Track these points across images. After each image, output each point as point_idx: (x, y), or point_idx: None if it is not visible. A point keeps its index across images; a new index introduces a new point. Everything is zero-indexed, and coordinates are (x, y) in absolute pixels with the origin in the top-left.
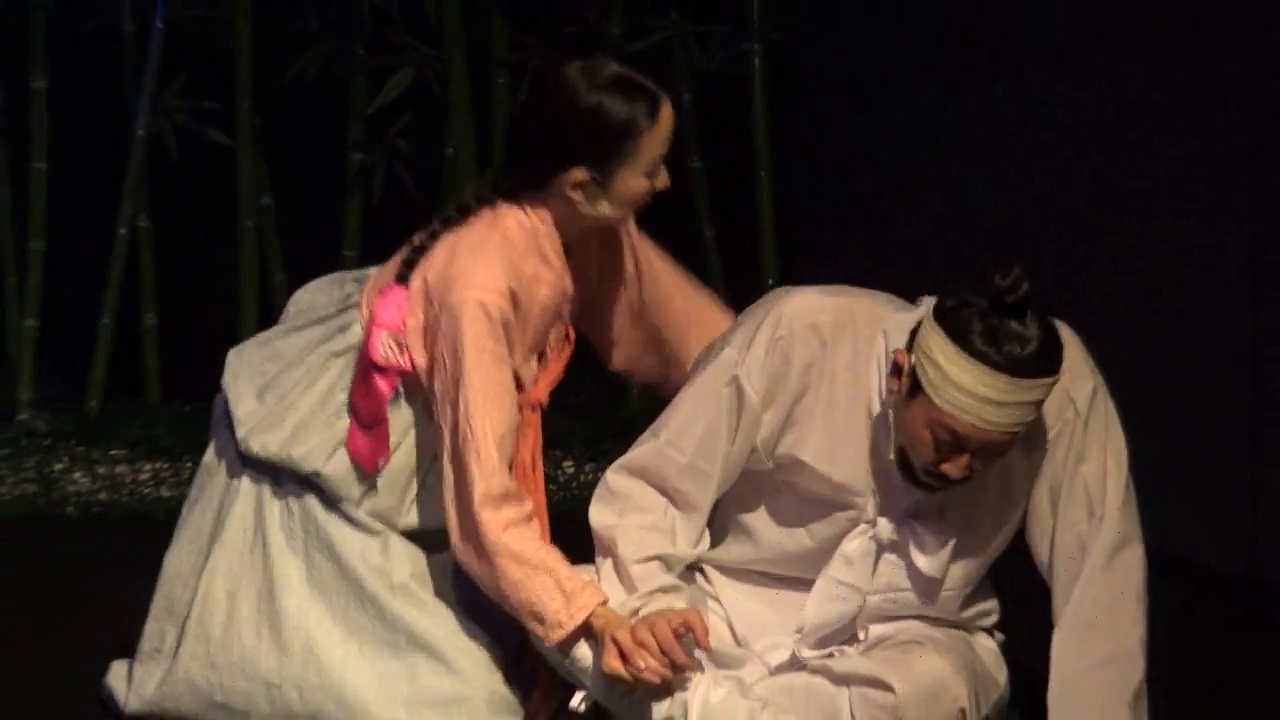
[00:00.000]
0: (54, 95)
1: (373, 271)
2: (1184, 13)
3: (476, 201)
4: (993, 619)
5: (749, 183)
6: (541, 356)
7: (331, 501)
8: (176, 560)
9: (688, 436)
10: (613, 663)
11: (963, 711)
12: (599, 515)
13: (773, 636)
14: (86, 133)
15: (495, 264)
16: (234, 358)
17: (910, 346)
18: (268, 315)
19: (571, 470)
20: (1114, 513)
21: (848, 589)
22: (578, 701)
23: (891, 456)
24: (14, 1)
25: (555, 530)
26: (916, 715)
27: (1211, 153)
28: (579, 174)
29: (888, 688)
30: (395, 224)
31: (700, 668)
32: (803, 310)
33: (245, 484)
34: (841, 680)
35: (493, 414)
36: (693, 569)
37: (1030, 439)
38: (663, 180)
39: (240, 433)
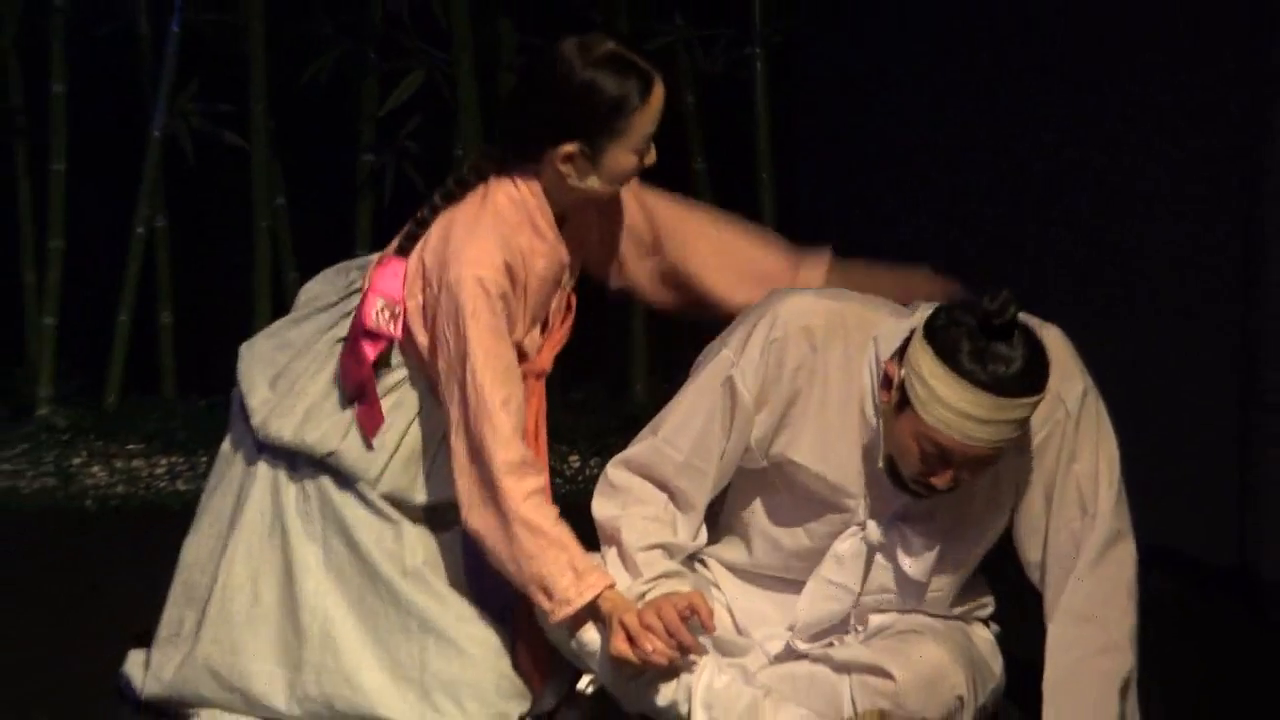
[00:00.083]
0: (72, 98)
1: (374, 257)
2: (1180, 16)
3: (474, 173)
4: (988, 610)
5: (751, 184)
6: (545, 326)
7: (347, 484)
8: (195, 547)
9: (684, 435)
10: (620, 645)
11: (961, 699)
12: (602, 508)
13: (771, 628)
14: (104, 134)
15: (489, 240)
16: (246, 350)
17: (901, 358)
18: (281, 313)
19: (577, 464)
20: (1106, 510)
21: (839, 589)
22: (584, 684)
23: (880, 465)
24: (33, 6)
25: (565, 520)
26: (916, 702)
27: (1207, 156)
28: (570, 148)
29: (888, 675)
30: (405, 223)
31: (705, 650)
32: (797, 312)
33: (262, 470)
34: (843, 668)
35: (501, 385)
36: (693, 559)
37: (1021, 441)
38: (651, 157)
39: (255, 421)
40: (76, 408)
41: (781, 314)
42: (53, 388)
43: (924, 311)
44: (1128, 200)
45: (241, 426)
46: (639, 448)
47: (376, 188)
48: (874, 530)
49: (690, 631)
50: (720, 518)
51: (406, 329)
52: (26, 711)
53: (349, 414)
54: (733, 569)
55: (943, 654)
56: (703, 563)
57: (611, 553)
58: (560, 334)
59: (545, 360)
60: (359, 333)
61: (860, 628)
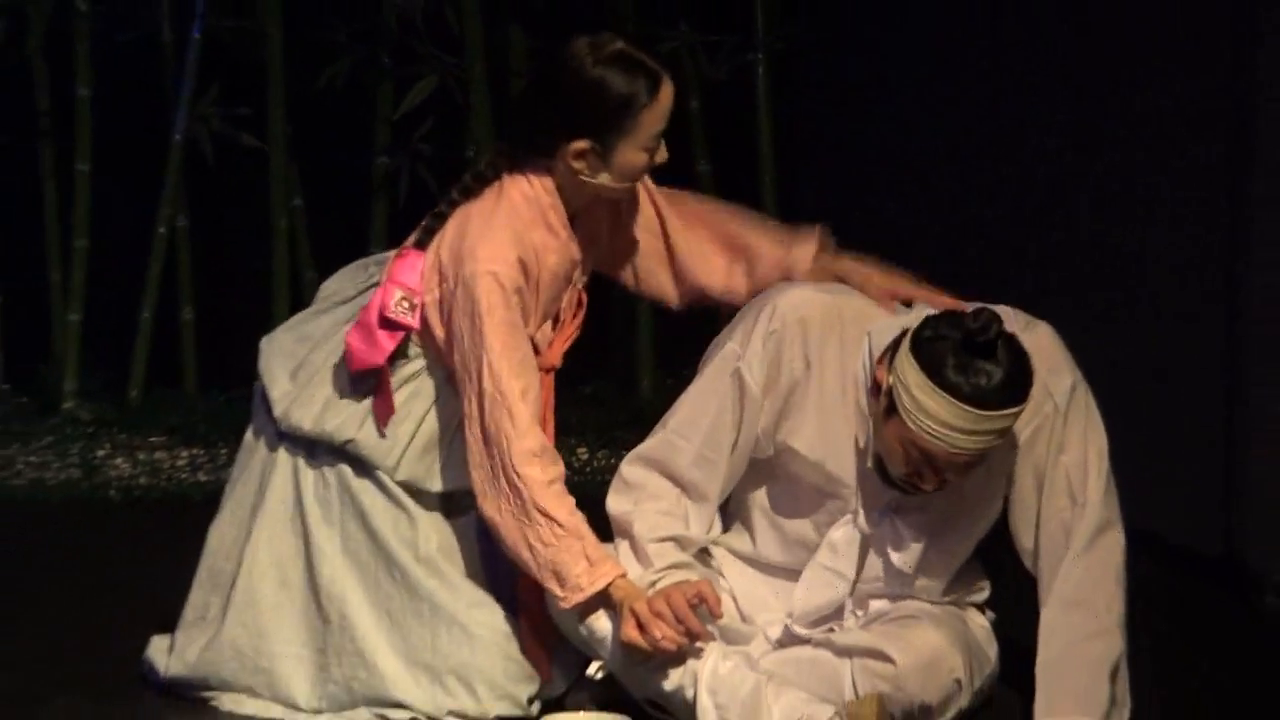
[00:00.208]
0: (97, 102)
1: (392, 253)
2: (1180, 24)
3: (490, 169)
4: (983, 596)
5: (754, 185)
6: (556, 321)
7: (365, 471)
8: (220, 533)
9: (695, 428)
10: (631, 632)
11: (959, 682)
12: (616, 503)
13: (771, 613)
14: (127, 137)
15: (503, 236)
16: (266, 344)
17: (890, 361)
18: (299, 310)
19: (585, 457)
20: (1095, 499)
21: (834, 575)
22: (594, 669)
23: (870, 464)
24: (60, 13)
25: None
26: (915, 685)
27: (1203, 163)
28: (581, 145)
29: (888, 659)
30: (419, 223)
31: (713, 637)
32: (795, 304)
33: (283, 459)
34: (844, 652)
35: (518, 376)
36: (703, 550)
37: (1011, 436)
38: (661, 155)
39: (277, 411)
40: (101, 402)
41: (780, 306)
42: (78, 382)
43: (917, 312)
44: (1127, 205)
45: (263, 417)
46: (652, 442)
47: (391, 189)
48: (867, 520)
49: (698, 619)
50: (727, 508)
51: (424, 321)
52: (51, 696)
53: (367, 404)
54: (737, 557)
55: (941, 639)
56: (707, 551)
57: (624, 545)
58: (571, 329)
59: (555, 355)
60: (377, 322)
61: (860, 612)
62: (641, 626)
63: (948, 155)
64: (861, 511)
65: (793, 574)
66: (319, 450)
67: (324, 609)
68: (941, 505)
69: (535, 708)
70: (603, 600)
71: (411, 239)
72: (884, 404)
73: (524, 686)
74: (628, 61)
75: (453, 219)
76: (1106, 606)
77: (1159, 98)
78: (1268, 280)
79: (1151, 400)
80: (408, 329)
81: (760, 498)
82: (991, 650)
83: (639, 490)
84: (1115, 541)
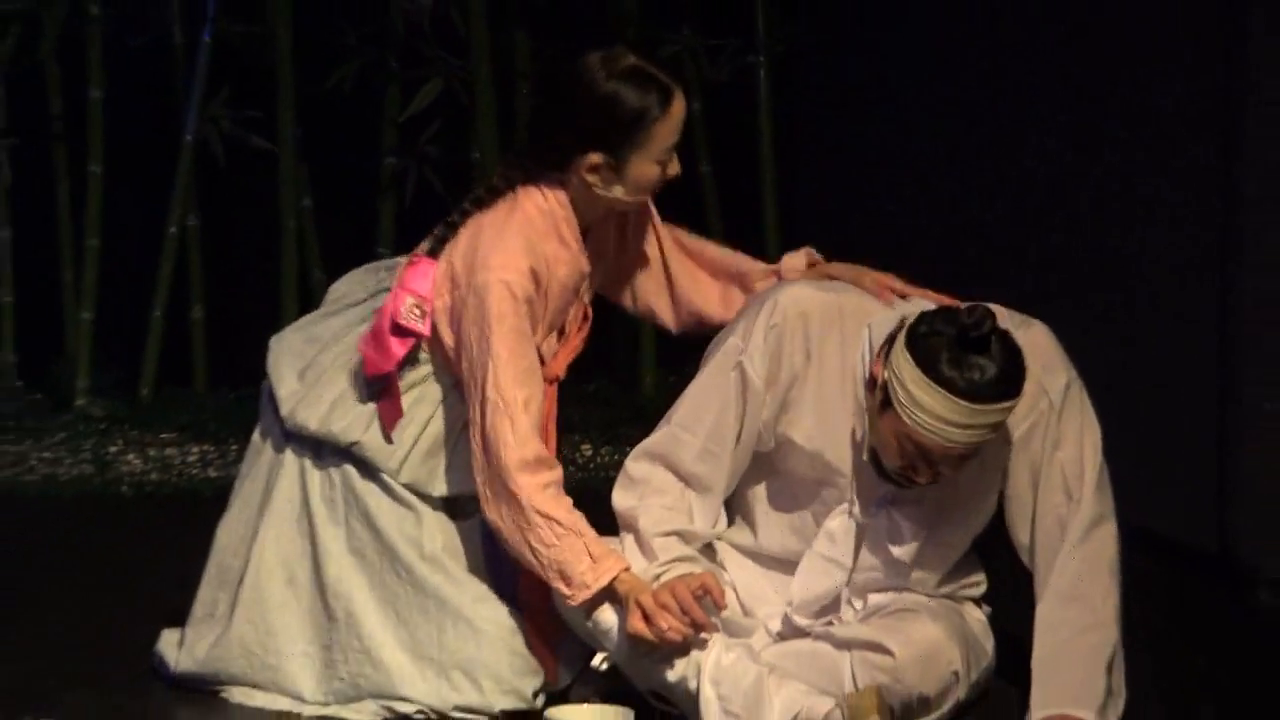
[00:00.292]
0: (109, 104)
1: (402, 259)
2: (1181, 26)
3: (504, 181)
4: (979, 590)
5: (755, 186)
6: (561, 333)
7: (370, 473)
8: (228, 531)
9: (699, 421)
10: (637, 624)
11: (956, 674)
12: (621, 499)
13: (772, 606)
14: (139, 139)
15: (516, 246)
16: (275, 343)
17: (887, 356)
18: (307, 308)
19: (589, 453)
20: (1090, 494)
21: (831, 564)
22: (598, 661)
23: (865, 456)
24: (73, 18)
25: (577, 507)
26: (914, 677)
27: (1200, 165)
28: (595, 158)
29: (887, 652)
30: (426, 224)
31: (718, 628)
32: (795, 300)
33: (289, 458)
34: (844, 645)
35: (523, 385)
36: (705, 546)
37: (1006, 431)
38: (674, 168)
39: (284, 411)
40: (113, 399)
41: (781, 301)
42: (90, 380)
43: (915, 305)
44: (1127, 206)
45: (270, 416)
46: (656, 436)
47: (398, 190)
48: (863, 510)
49: (703, 610)
50: (729, 502)
51: (433, 328)
52: (63, 690)
53: (373, 407)
54: (739, 551)
55: (939, 632)
56: (710, 546)
57: (629, 539)
58: (576, 342)
59: (559, 367)
60: (388, 327)
61: (859, 604)
62: (647, 618)
63: (948, 157)
64: (857, 502)
65: (793, 566)
66: (325, 451)
67: (330, 606)
68: (936, 498)
69: (540, 701)
70: (608, 594)
71: (423, 247)
72: (879, 398)
73: (529, 680)
74: (640, 75)
75: (466, 228)
76: (1102, 599)
77: (1159, 99)
78: (1259, 282)
79: (1148, 400)
80: (418, 336)
81: (761, 491)
82: (988, 643)
83: (643, 485)
84: (1109, 535)
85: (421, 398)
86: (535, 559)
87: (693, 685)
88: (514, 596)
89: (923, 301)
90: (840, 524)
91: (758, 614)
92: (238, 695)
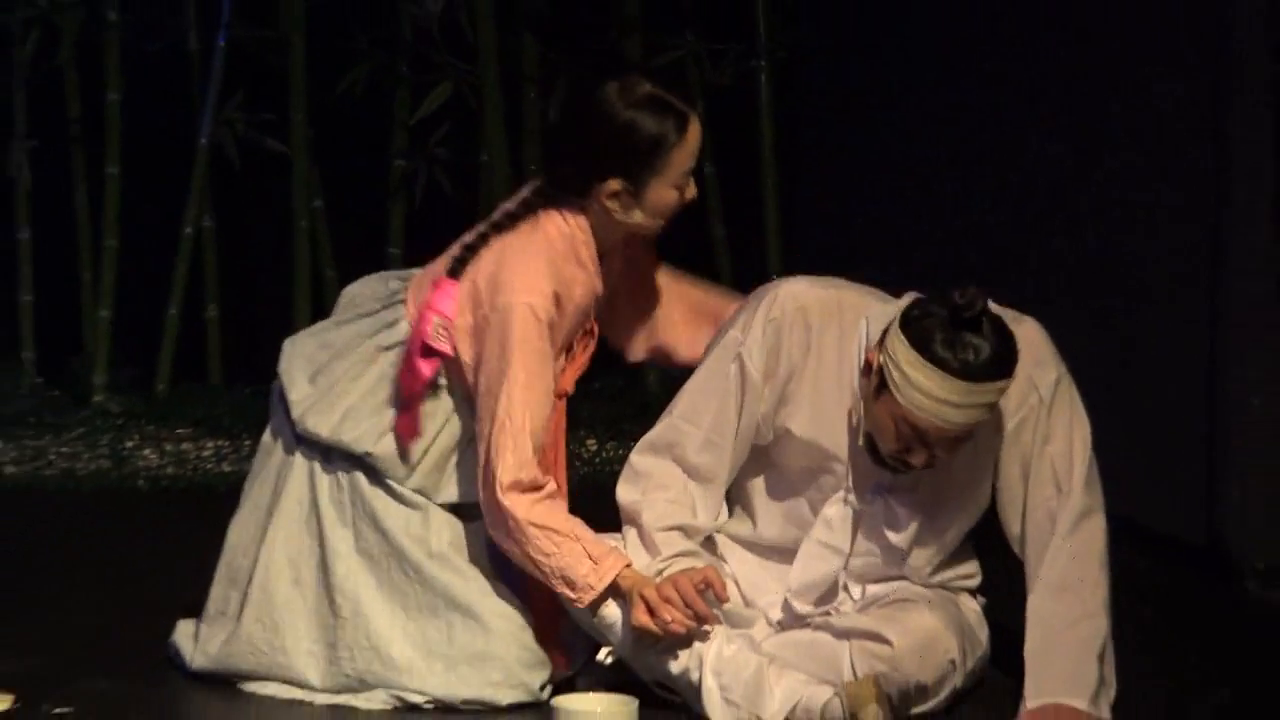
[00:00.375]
0: (126, 108)
1: (416, 272)
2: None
3: (523, 208)
4: (974, 581)
5: (756, 187)
6: (569, 350)
7: (378, 477)
8: (238, 530)
9: (701, 412)
10: (641, 618)
11: (953, 663)
12: (625, 493)
13: (772, 595)
14: (155, 142)
15: (540, 269)
16: (289, 346)
17: (881, 344)
18: (319, 307)
19: (595, 448)
20: (1079, 486)
21: (829, 550)
22: (603, 655)
23: (861, 442)
24: (91, 23)
25: (581, 502)
26: (912, 666)
27: (1198, 166)
28: (614, 185)
29: (886, 641)
30: (435, 224)
31: (720, 620)
32: (794, 295)
33: (299, 460)
34: (843, 635)
35: (532, 409)
36: (706, 539)
37: (997, 423)
38: (691, 192)
39: (295, 414)
40: (129, 395)
41: (780, 296)
42: (107, 376)
43: (909, 300)
44: (1128, 210)
45: (280, 418)
46: (659, 429)
47: (408, 191)
48: (860, 497)
49: (705, 602)
50: (729, 494)
51: (454, 345)
52: (82, 678)
53: (385, 419)
54: (738, 542)
55: (936, 622)
56: (711, 539)
57: (632, 533)
58: (582, 360)
59: (567, 383)
60: (417, 349)
61: (856, 590)
62: (651, 611)
63: (949, 161)
64: (854, 489)
65: (791, 555)
66: (335, 454)
67: (337, 605)
68: (931, 486)
69: (546, 693)
70: (613, 590)
71: (441, 266)
72: (874, 382)
73: (537, 674)
74: (657, 103)
75: (488, 249)
76: (1091, 590)
77: (1160, 103)
78: (1246, 284)
79: (1140, 397)
80: (445, 356)
81: (760, 481)
82: (983, 633)
83: (646, 480)
84: (1098, 526)
85: (433, 411)
86: (538, 569)
87: (695, 676)
88: (521, 590)
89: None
90: (837, 511)
91: (758, 604)
92: (251, 687)
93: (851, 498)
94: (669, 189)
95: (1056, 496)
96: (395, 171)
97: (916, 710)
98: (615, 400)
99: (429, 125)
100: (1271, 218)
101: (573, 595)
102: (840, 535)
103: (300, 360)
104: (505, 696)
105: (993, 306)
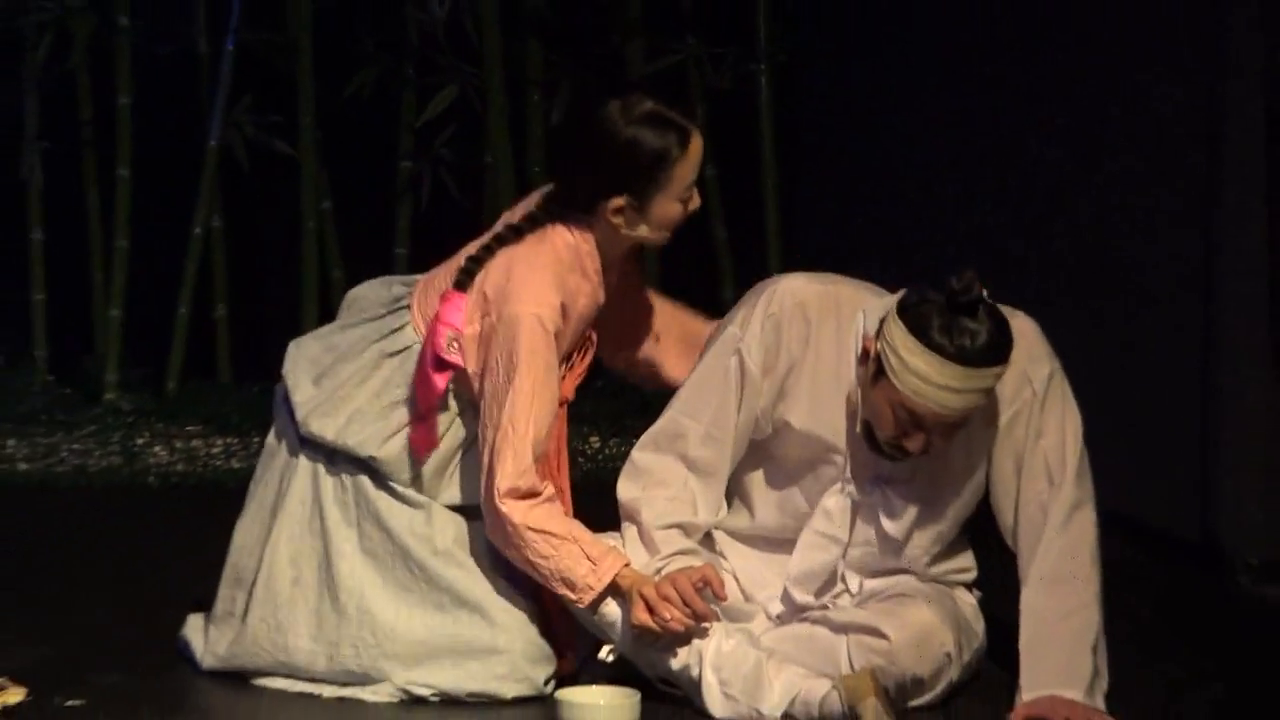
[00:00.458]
0: (136, 111)
1: (419, 278)
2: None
3: (529, 222)
4: (970, 575)
5: (757, 189)
6: (569, 358)
7: (381, 479)
8: (243, 532)
9: (701, 407)
10: (641, 615)
11: (949, 656)
12: (625, 489)
13: (771, 589)
14: (166, 144)
15: (547, 280)
16: (293, 349)
17: (878, 333)
18: (327, 307)
19: (598, 444)
20: (1070, 480)
21: (827, 539)
22: (605, 653)
23: (859, 429)
24: (102, 28)
25: (584, 499)
26: (908, 659)
27: (1198, 170)
28: (619, 201)
29: (883, 635)
30: (441, 225)
31: (718, 617)
32: (792, 291)
33: (303, 462)
34: (841, 629)
35: (536, 417)
36: (705, 535)
37: (991, 416)
38: (695, 203)
39: (299, 416)
40: (140, 393)
41: (778, 292)
42: (119, 375)
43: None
44: (1127, 213)
45: (285, 420)
46: (660, 423)
47: (414, 192)
48: (858, 488)
49: (703, 600)
50: (727, 487)
51: (463, 353)
52: (93, 670)
53: (389, 423)
54: (736, 535)
55: (933, 616)
56: (710, 535)
57: (631, 531)
58: (581, 368)
59: (568, 390)
60: (430, 362)
61: (854, 580)
62: (650, 610)
63: (949, 164)
64: (853, 480)
65: (790, 546)
66: (339, 457)
67: (341, 603)
68: (928, 478)
69: (550, 688)
70: (612, 590)
71: (449, 279)
72: (872, 369)
73: (542, 669)
74: (658, 119)
75: (495, 261)
76: (1084, 583)
77: (1160, 106)
78: (1238, 285)
79: (1136, 397)
80: (457, 368)
81: (758, 475)
82: (979, 626)
83: (647, 476)
84: (1089, 519)
85: (439, 417)
86: (537, 571)
87: (695, 672)
88: (525, 586)
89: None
90: (836, 502)
91: (757, 598)
92: (261, 682)
93: (850, 488)
94: (673, 202)
95: (1048, 489)
96: (401, 173)
97: (913, 703)
98: (618, 397)
99: (434, 128)
100: (1264, 220)
101: (573, 596)
102: (839, 525)
103: (305, 363)
104: (510, 690)
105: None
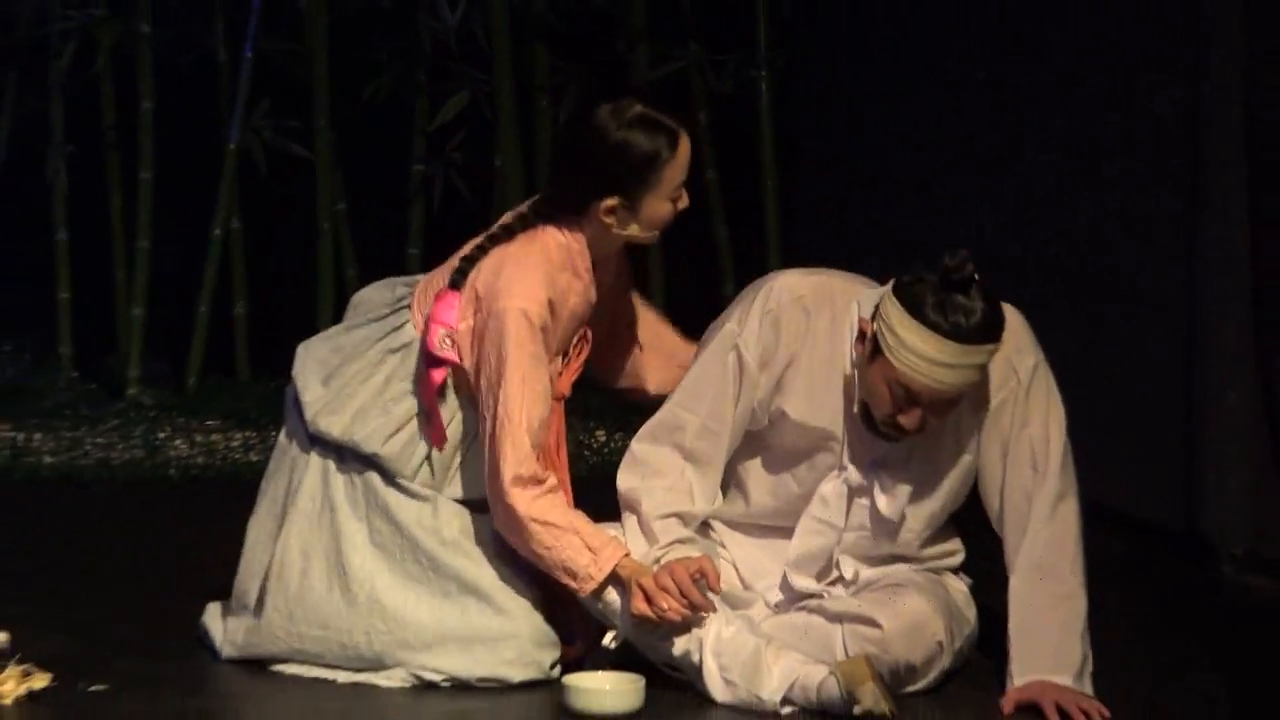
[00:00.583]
0: (158, 116)
1: (421, 277)
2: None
3: (520, 222)
4: (957, 559)
5: (757, 191)
6: (565, 355)
7: (388, 475)
8: (256, 527)
9: (699, 400)
10: (639, 605)
11: (941, 645)
12: (624, 480)
13: (770, 578)
14: (186, 148)
15: (536, 277)
16: (302, 350)
17: (874, 315)
18: (341, 305)
19: (603, 439)
20: (1054, 470)
21: (824, 525)
22: (609, 639)
23: (855, 410)
24: (125, 36)
25: (591, 491)
26: (901, 648)
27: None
28: (611, 201)
29: (876, 624)
30: (452, 226)
31: (714, 608)
32: (789, 286)
33: (314, 460)
34: (836, 618)
35: (529, 407)
36: (703, 525)
37: (980, 402)
38: (683, 202)
39: (308, 415)
40: (162, 388)
41: (776, 289)
42: (140, 371)
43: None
44: (1125, 216)
45: (295, 420)
46: (659, 415)
47: (426, 194)
48: (854, 473)
49: (699, 591)
50: (724, 476)
51: (458, 349)
52: (116, 657)
53: (392, 419)
54: (734, 524)
55: (925, 605)
56: (709, 526)
57: (631, 521)
58: (576, 364)
59: (564, 386)
60: (427, 359)
61: (850, 566)
62: (649, 599)
63: (946, 167)
64: (850, 466)
65: (787, 533)
66: (348, 455)
67: (352, 593)
68: (921, 462)
69: (556, 672)
70: (613, 579)
71: (445, 279)
72: (869, 348)
73: (548, 653)
74: (648, 122)
75: (490, 258)
76: (1070, 571)
77: (1159, 108)
78: (1221, 283)
79: (1124, 393)
80: (451, 363)
81: (755, 463)
82: (970, 613)
83: (645, 466)
84: (1073, 510)
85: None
86: (541, 561)
87: (696, 658)
88: (531, 574)
89: None
90: (833, 488)
91: (756, 587)
92: (278, 667)
93: (846, 474)
94: (663, 202)
95: (1033, 477)
96: (414, 176)
97: (907, 689)
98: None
99: (446, 132)
100: (1246, 224)
101: (574, 585)
102: (835, 511)
103: (314, 364)
104: (517, 674)
105: None
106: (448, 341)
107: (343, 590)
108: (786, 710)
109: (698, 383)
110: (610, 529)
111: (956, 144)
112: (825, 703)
